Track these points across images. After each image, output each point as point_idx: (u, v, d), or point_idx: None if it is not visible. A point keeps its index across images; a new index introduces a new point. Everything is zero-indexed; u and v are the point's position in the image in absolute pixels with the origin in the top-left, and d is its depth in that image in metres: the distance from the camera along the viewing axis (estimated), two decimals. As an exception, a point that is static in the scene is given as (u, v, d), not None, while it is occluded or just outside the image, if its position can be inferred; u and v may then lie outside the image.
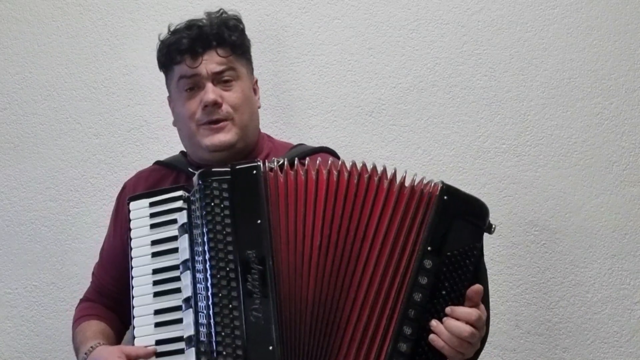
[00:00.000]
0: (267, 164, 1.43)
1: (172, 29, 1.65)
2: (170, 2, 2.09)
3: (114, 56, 2.08)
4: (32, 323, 1.98)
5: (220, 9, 1.65)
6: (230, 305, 1.33)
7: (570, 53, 2.09)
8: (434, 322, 1.31)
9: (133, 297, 1.45)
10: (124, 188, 1.72)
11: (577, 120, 2.06)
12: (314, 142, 1.96)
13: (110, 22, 2.09)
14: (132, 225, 1.49)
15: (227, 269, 1.35)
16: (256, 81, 1.71)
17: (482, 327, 1.34)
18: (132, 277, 1.46)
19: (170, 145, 2.01)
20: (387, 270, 1.35)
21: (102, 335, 1.57)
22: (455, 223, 1.33)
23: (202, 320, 1.34)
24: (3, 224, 2.02)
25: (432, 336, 1.31)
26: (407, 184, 1.38)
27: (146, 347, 1.39)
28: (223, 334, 1.31)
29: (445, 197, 1.35)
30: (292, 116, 2.03)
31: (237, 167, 1.43)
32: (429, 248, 1.32)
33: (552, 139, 2.06)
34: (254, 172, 1.41)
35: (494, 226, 1.37)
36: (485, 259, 1.98)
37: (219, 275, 1.35)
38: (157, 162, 1.74)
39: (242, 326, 1.32)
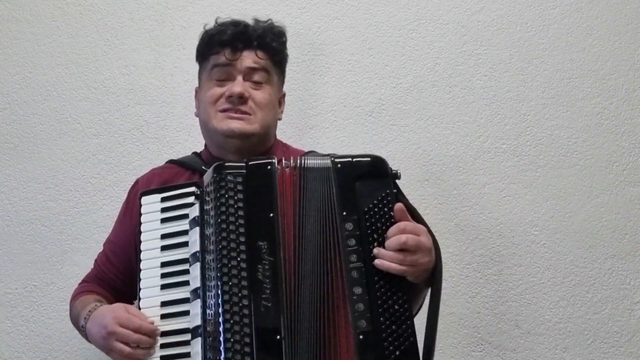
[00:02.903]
0: (283, 162, 1.46)
1: (219, 22, 1.66)
2: (170, 2, 2.09)
3: (114, 56, 2.08)
4: (32, 323, 1.98)
5: (269, 19, 1.68)
6: (240, 294, 1.35)
7: (570, 53, 2.09)
8: (375, 250, 1.37)
9: (140, 289, 1.46)
10: (136, 183, 1.72)
11: (577, 120, 2.06)
12: (313, 142, 1.96)
13: (110, 22, 2.09)
14: (143, 219, 1.51)
15: (238, 258, 1.37)
16: (284, 95, 1.73)
17: (422, 234, 1.39)
18: (140, 270, 1.47)
19: (171, 146, 2.02)
20: (327, 248, 1.39)
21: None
22: (358, 184, 1.43)
23: (210, 310, 1.36)
24: (3, 224, 2.02)
25: (376, 261, 1.36)
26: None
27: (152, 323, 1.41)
28: (232, 321, 1.33)
29: (338, 166, 1.44)
30: (292, 116, 2.03)
31: (252, 162, 1.46)
32: (344, 213, 1.40)
33: (552, 139, 2.06)
34: (269, 167, 1.44)
35: (398, 172, 1.45)
36: (485, 258, 2.00)
37: (229, 265, 1.36)
38: (171, 161, 1.74)
39: (251, 315, 1.33)
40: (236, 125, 1.57)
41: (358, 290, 1.35)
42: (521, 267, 2.01)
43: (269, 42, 1.63)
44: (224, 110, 1.59)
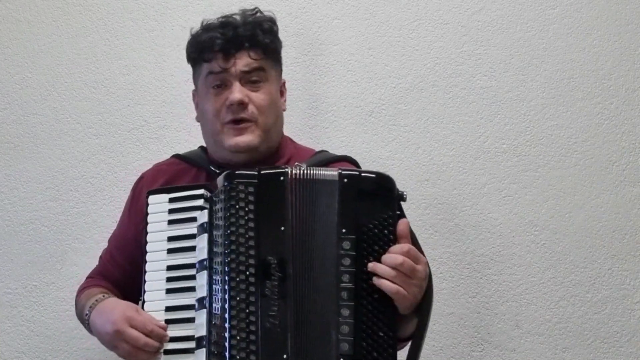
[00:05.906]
0: (293, 170, 1.42)
1: (205, 24, 1.63)
2: (170, 2, 2.09)
3: (114, 56, 2.08)
4: (32, 323, 1.99)
5: (255, 8, 1.64)
6: (247, 310, 1.32)
7: (570, 53, 2.09)
8: (371, 264, 1.34)
9: (145, 292, 1.44)
10: (141, 178, 1.70)
11: (577, 120, 2.06)
12: (314, 143, 1.96)
13: (110, 22, 2.09)
14: (149, 219, 1.48)
15: (247, 272, 1.34)
16: (284, 83, 1.70)
17: (418, 260, 1.36)
18: (146, 272, 1.45)
19: (171, 146, 2.02)
20: (329, 266, 1.36)
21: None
22: (362, 202, 1.38)
23: (216, 321, 1.34)
24: (3, 224, 2.02)
25: (374, 278, 1.33)
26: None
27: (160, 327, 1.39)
28: (238, 337, 1.31)
29: (345, 180, 1.39)
30: (292, 116, 2.02)
31: (264, 172, 1.42)
32: (343, 230, 1.36)
33: (552, 139, 2.06)
34: (281, 178, 1.40)
35: (404, 193, 1.41)
36: (485, 258, 2.00)
37: (237, 279, 1.34)
38: (176, 156, 1.72)
39: (258, 331, 1.31)
40: (241, 140, 1.55)
41: (345, 312, 1.33)
42: (521, 267, 2.01)
43: (260, 40, 1.59)
44: (228, 123, 1.56)
